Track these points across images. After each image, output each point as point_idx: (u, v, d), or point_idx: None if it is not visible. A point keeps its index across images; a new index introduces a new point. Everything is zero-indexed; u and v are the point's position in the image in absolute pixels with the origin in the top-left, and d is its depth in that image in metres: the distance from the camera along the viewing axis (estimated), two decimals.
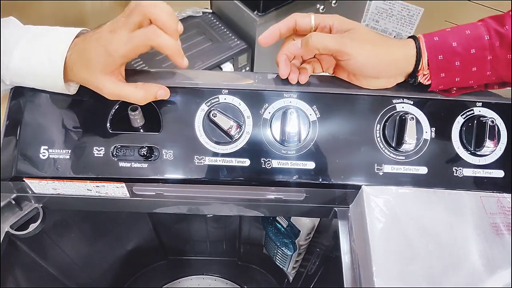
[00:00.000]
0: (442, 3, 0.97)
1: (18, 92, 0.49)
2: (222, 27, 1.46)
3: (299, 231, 0.76)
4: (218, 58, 1.35)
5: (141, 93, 0.46)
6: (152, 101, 0.48)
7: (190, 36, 1.40)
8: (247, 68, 1.49)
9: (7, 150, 0.48)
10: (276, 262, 0.89)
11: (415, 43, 0.46)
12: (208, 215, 0.90)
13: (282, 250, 0.80)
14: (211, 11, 1.52)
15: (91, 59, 0.43)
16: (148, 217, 0.88)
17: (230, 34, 1.44)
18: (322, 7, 1.54)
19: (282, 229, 0.79)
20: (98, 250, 0.86)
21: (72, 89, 0.48)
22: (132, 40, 0.43)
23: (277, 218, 0.80)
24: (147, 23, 0.44)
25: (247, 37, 1.43)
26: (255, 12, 1.35)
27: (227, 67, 1.37)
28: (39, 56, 0.44)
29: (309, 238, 0.78)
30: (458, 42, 0.45)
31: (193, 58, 1.33)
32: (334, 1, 1.57)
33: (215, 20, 1.48)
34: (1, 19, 0.47)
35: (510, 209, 0.48)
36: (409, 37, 0.48)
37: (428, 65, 0.46)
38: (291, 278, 0.93)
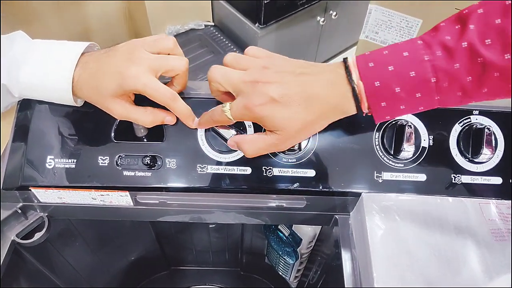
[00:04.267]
0: (440, 14, 0.98)
1: (26, 103, 0.51)
2: (224, 40, 1.48)
3: (301, 239, 0.77)
4: None
5: (149, 117, 0.47)
6: None
7: (193, 49, 1.43)
8: None
9: (13, 160, 0.49)
10: (279, 272, 0.89)
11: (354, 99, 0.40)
12: (211, 225, 0.91)
13: (284, 258, 0.81)
14: (213, 24, 1.54)
15: (103, 83, 0.44)
16: (151, 227, 0.88)
17: (232, 46, 1.46)
18: (322, 19, 1.57)
19: (284, 238, 0.80)
20: (102, 260, 0.87)
21: (79, 102, 0.49)
22: (150, 87, 0.44)
23: (279, 226, 0.81)
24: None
25: None
26: (256, 25, 1.38)
27: None
28: (47, 70, 0.46)
29: (311, 246, 0.78)
30: (402, 88, 0.39)
31: (196, 70, 1.35)
32: (334, 14, 1.60)
33: (217, 33, 1.51)
34: (10, 33, 0.48)
35: (509, 215, 0.49)
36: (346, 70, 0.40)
37: (369, 108, 0.41)
38: None
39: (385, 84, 0.39)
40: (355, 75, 0.40)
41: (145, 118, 0.47)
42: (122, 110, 0.46)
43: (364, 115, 0.42)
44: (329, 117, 0.43)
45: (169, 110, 0.48)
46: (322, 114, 0.42)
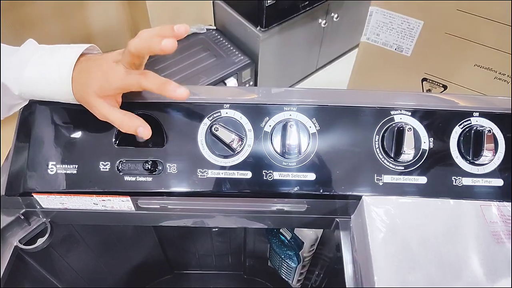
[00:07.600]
0: (441, 16, 0.98)
1: (28, 110, 0.51)
2: (226, 43, 1.49)
3: (303, 242, 0.77)
4: (222, 73, 1.37)
5: (124, 121, 0.47)
6: (156, 116, 0.50)
7: (195, 52, 1.44)
8: (251, 83, 1.51)
9: (16, 166, 0.50)
10: (282, 275, 0.89)
11: None
12: (213, 229, 0.91)
13: (287, 262, 0.81)
14: (215, 27, 1.55)
15: (90, 80, 0.46)
16: (153, 232, 0.89)
17: (234, 50, 1.47)
18: (324, 21, 1.57)
19: (286, 241, 0.80)
20: (104, 265, 0.87)
21: None
22: (127, 79, 0.45)
23: (280, 230, 0.81)
24: (139, 62, 0.46)
25: (251, 52, 1.46)
26: (258, 28, 1.38)
27: (231, 82, 1.40)
28: (50, 66, 0.47)
29: (313, 249, 0.78)
30: None
31: (198, 74, 1.36)
32: (336, 16, 1.60)
33: (219, 37, 1.51)
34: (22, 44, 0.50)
35: (510, 217, 0.48)
36: None
37: None
38: None
39: None
40: None
41: (120, 121, 0.47)
42: (103, 109, 0.47)
43: None
44: None
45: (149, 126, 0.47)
46: None
